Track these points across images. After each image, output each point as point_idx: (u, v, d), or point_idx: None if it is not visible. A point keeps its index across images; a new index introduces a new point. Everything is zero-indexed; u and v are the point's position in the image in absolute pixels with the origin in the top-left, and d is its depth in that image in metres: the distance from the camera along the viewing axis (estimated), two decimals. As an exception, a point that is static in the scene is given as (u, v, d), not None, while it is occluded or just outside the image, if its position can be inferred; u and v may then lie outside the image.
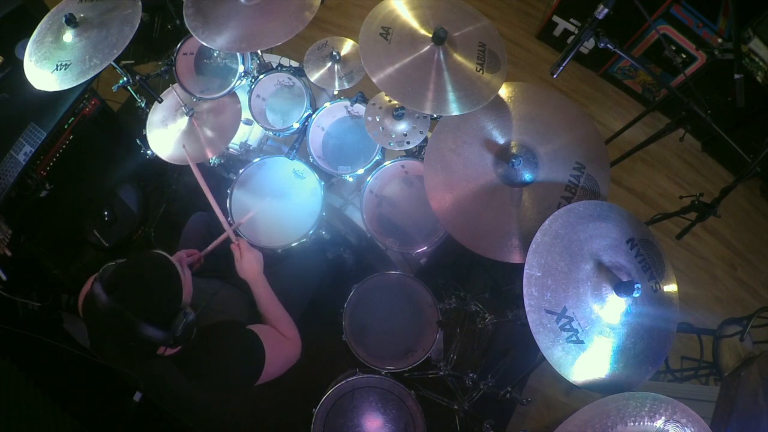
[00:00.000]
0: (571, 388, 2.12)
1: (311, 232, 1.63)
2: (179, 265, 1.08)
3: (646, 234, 1.22)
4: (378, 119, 1.53)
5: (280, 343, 1.29)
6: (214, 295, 1.31)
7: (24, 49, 1.49)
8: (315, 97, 1.80)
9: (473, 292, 1.99)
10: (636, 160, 2.67)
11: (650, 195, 2.67)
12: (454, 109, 1.31)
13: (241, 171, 1.70)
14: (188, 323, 1.04)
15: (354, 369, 1.59)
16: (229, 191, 1.66)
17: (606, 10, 1.28)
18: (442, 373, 1.70)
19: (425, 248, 1.60)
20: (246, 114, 1.68)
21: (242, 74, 1.65)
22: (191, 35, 1.47)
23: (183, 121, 1.64)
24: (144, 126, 1.70)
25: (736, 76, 1.47)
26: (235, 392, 1.21)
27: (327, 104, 1.69)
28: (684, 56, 2.44)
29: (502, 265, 1.27)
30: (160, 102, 1.60)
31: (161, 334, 1.00)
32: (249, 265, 1.36)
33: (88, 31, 1.41)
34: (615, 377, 1.10)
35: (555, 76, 1.39)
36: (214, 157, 1.61)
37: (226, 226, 1.43)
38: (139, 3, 1.40)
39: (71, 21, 1.39)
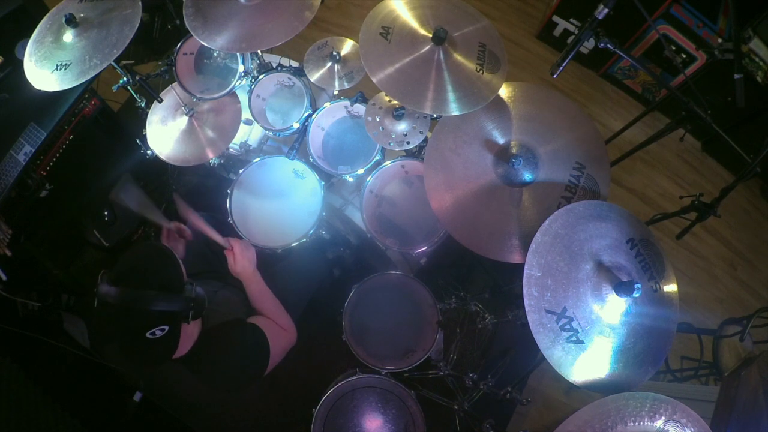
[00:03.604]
0: (571, 388, 2.12)
1: (311, 232, 1.63)
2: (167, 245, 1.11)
3: (646, 234, 1.22)
4: (378, 119, 1.53)
5: (278, 333, 1.32)
6: (215, 294, 1.32)
7: (24, 49, 1.49)
8: (315, 97, 1.80)
9: (473, 292, 1.99)
10: (636, 160, 2.67)
11: (650, 195, 2.67)
12: (454, 109, 1.31)
13: (241, 171, 1.70)
14: (198, 294, 1.06)
15: (354, 369, 1.59)
16: (229, 191, 1.66)
17: (606, 10, 1.28)
18: (442, 373, 1.70)
19: (425, 248, 1.60)
20: (246, 114, 1.68)
21: (242, 74, 1.65)
22: (191, 35, 1.47)
23: (183, 121, 1.64)
24: (144, 126, 1.70)
25: (736, 76, 1.46)
26: (246, 388, 1.23)
27: (327, 104, 1.69)
28: (684, 56, 2.44)
29: (502, 265, 1.27)
30: (160, 102, 1.60)
31: (177, 302, 1.00)
32: (242, 268, 1.37)
33: (88, 31, 1.41)
34: (615, 377, 1.10)
35: (555, 76, 1.39)
36: (214, 157, 1.61)
37: (223, 242, 1.41)
38: (139, 3, 1.40)
39: (71, 21, 1.39)
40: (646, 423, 0.99)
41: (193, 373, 1.15)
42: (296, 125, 1.66)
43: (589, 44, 2.42)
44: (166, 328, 1.00)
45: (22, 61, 1.46)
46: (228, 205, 1.65)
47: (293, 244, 1.62)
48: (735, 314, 1.94)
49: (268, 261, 1.47)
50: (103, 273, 1.03)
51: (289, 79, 1.75)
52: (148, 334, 0.98)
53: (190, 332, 1.13)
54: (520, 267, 1.14)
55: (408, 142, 1.50)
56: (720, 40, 2.32)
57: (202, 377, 1.15)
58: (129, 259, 1.08)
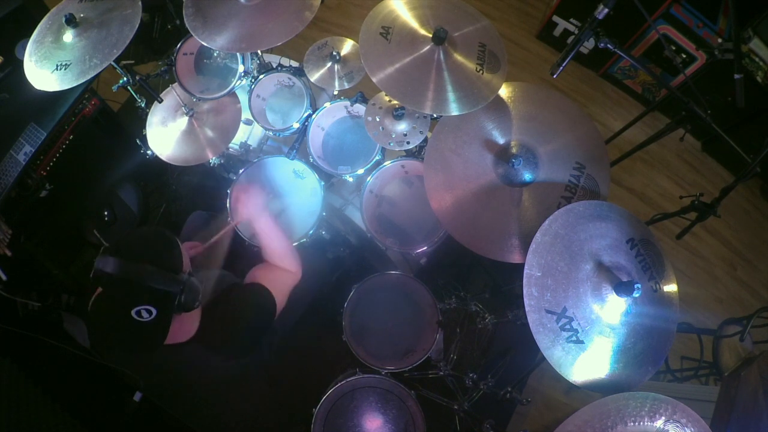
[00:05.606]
0: (571, 388, 2.12)
1: (311, 232, 1.62)
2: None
3: (646, 234, 1.22)
4: (378, 119, 1.53)
5: (279, 278, 1.35)
6: (212, 278, 1.34)
7: (24, 49, 1.49)
8: (315, 97, 1.80)
9: (473, 292, 2.00)
10: (636, 160, 2.67)
11: (650, 195, 2.67)
12: (454, 109, 1.31)
13: (241, 171, 1.70)
14: (193, 284, 1.06)
15: (354, 369, 1.59)
16: (229, 191, 1.66)
17: (606, 10, 1.28)
18: (442, 373, 1.70)
19: (425, 248, 1.60)
20: (246, 114, 1.68)
21: (242, 74, 1.65)
22: (191, 35, 1.47)
23: (183, 121, 1.64)
24: (144, 126, 1.70)
25: (736, 76, 1.46)
26: (259, 343, 1.26)
27: (327, 104, 1.69)
28: (684, 56, 2.44)
29: (502, 265, 1.27)
30: (160, 102, 1.60)
31: (171, 283, 0.99)
32: (248, 215, 1.44)
33: (88, 31, 1.41)
34: (615, 377, 1.10)
35: (555, 76, 1.39)
36: (214, 157, 1.61)
37: (234, 226, 1.46)
38: (139, 3, 1.40)
39: (71, 21, 1.39)
40: (646, 423, 0.99)
41: (206, 347, 1.17)
42: (296, 125, 1.66)
43: (589, 44, 2.42)
44: (154, 312, 0.97)
45: (22, 61, 1.46)
46: (228, 205, 1.65)
47: (293, 244, 1.62)
48: (735, 314, 1.94)
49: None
50: (105, 248, 1.03)
51: (289, 79, 1.75)
52: (133, 313, 0.95)
53: (194, 316, 1.15)
54: (520, 267, 1.14)
55: (408, 142, 1.50)
56: (720, 40, 2.31)
57: (215, 348, 1.18)
58: (132, 236, 1.08)
